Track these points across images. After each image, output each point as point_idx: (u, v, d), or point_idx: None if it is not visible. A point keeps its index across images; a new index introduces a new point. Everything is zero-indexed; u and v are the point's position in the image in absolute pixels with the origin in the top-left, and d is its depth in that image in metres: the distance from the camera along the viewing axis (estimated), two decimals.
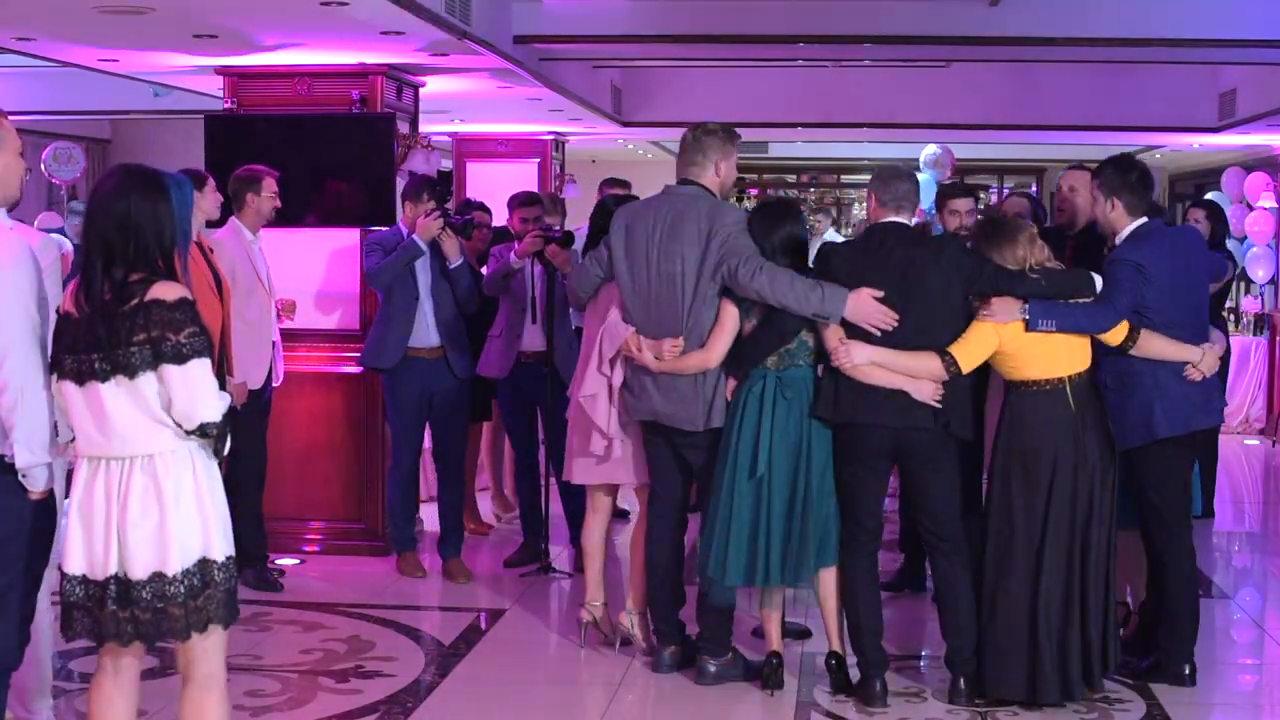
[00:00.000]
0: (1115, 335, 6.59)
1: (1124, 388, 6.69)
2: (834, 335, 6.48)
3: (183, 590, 4.58)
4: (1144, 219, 6.86)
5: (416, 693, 6.78)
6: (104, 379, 4.54)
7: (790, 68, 13.07)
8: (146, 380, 4.53)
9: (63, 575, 4.68)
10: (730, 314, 6.65)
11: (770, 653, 6.86)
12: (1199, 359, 6.75)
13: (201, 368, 4.57)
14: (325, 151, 9.53)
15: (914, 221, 6.76)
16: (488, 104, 12.65)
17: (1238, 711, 7.15)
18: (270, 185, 8.51)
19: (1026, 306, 6.42)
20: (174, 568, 4.57)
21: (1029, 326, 6.42)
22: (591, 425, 7.11)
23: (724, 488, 6.62)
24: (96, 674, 4.87)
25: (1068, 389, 6.50)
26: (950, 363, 6.42)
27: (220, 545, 4.68)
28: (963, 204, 8.53)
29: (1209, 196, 16.16)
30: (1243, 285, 16.30)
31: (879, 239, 6.60)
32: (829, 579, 6.75)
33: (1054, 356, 6.51)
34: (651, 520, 7.10)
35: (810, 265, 6.70)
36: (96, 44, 9.10)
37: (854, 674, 6.79)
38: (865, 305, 6.42)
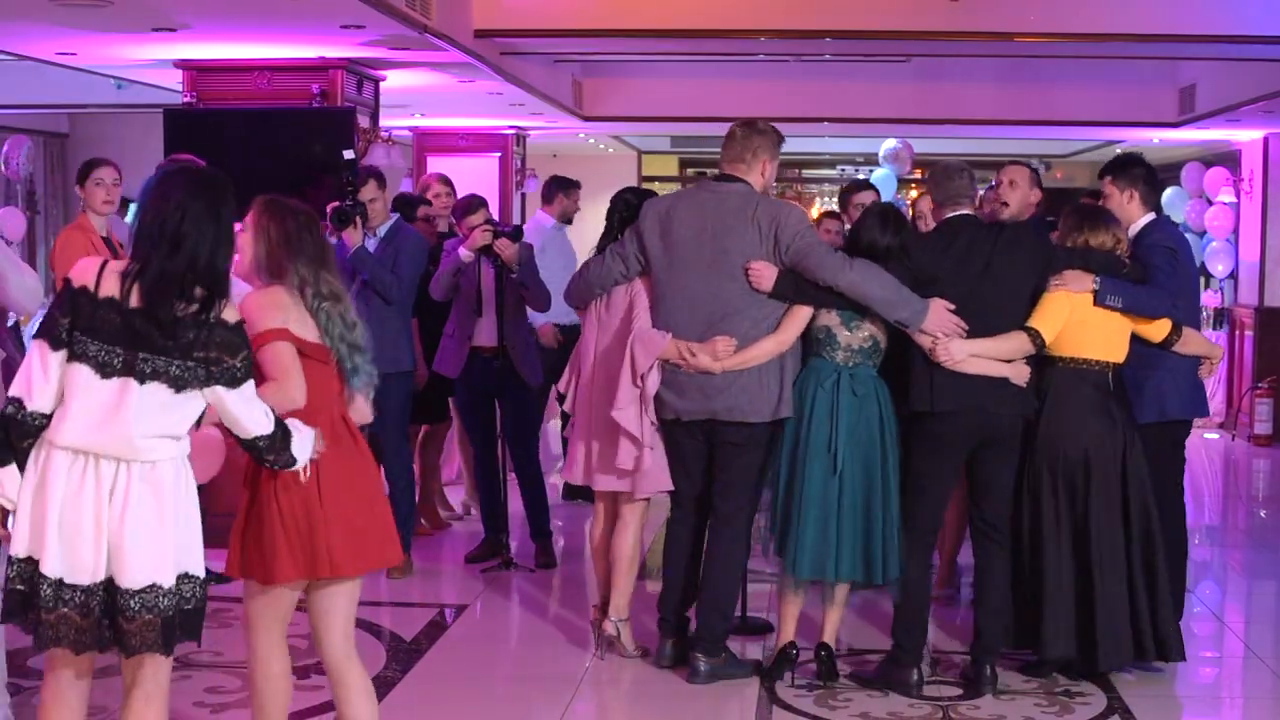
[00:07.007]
0: (1159, 331, 6.83)
1: (1143, 365, 6.89)
2: (925, 335, 6.54)
3: (173, 603, 4.39)
4: (1153, 214, 7.15)
5: (378, 689, 6.73)
6: (143, 380, 4.33)
7: (751, 62, 13.06)
8: (189, 395, 4.39)
9: (42, 579, 4.35)
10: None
11: (788, 643, 6.79)
12: (1221, 355, 7.15)
13: (253, 389, 4.54)
14: (285, 146, 9.49)
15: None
16: (448, 98, 12.62)
17: (1197, 704, 7.19)
18: None
19: (1098, 279, 6.62)
20: (168, 579, 4.38)
21: (1098, 299, 6.64)
22: (620, 434, 6.84)
23: (791, 477, 6.64)
24: (51, 677, 4.61)
25: (1109, 374, 6.74)
26: (1034, 335, 6.59)
27: (198, 561, 4.51)
28: (864, 196, 9.09)
29: (1169, 191, 16.28)
30: (1203, 280, 16.35)
31: (957, 230, 6.70)
32: None
33: (1109, 340, 6.74)
34: (673, 521, 7.03)
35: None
36: (54, 37, 9.03)
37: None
38: (941, 316, 6.51)
